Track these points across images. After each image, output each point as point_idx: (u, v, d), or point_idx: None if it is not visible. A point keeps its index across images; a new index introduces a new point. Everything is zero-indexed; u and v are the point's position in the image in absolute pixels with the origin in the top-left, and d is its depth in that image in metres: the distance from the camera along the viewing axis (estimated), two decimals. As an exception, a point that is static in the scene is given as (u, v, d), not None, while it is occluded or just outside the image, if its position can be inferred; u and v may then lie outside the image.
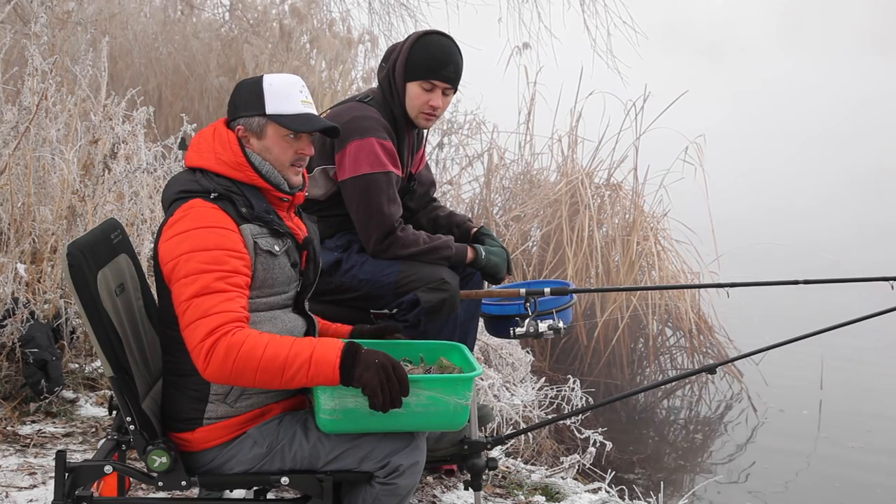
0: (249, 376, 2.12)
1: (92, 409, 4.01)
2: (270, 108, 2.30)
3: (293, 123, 2.31)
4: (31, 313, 3.97)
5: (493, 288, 3.37)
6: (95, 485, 2.41)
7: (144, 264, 4.26)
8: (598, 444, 4.24)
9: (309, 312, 2.45)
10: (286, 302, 2.36)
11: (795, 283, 3.30)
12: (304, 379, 2.12)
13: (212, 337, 2.10)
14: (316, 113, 2.36)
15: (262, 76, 2.34)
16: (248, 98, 2.32)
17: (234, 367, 2.10)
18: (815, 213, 12.62)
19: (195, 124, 5.54)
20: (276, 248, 2.29)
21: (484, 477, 2.98)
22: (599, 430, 4.35)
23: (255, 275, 2.25)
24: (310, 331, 2.43)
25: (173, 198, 2.29)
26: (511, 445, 4.53)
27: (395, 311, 3.07)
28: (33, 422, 3.82)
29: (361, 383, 2.12)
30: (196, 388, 2.27)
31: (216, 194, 2.25)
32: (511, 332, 3.19)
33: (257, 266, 2.25)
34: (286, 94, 2.32)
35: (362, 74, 8.86)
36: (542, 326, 3.14)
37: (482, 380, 4.57)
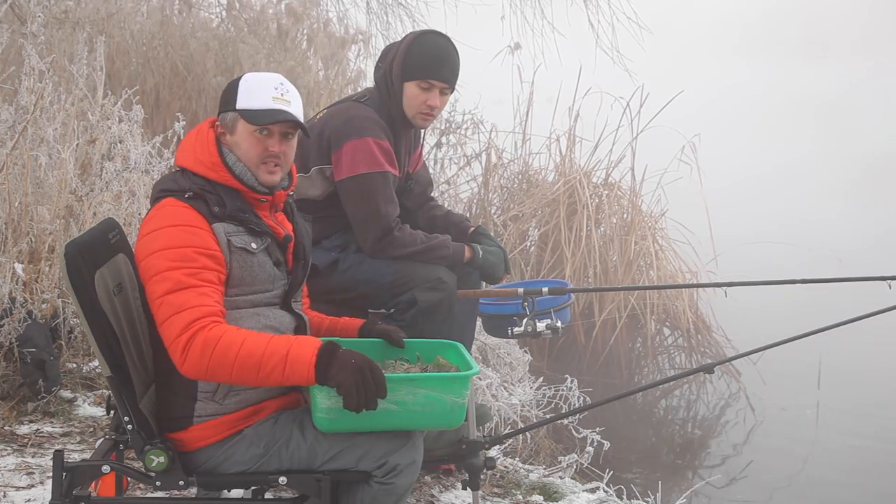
0: (226, 371, 2.12)
1: (90, 408, 4.01)
2: (241, 104, 2.32)
3: (255, 118, 2.31)
4: (29, 313, 3.96)
5: (491, 287, 3.38)
6: (93, 484, 2.41)
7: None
8: (595, 444, 4.24)
9: (299, 311, 2.45)
10: (272, 300, 2.36)
11: (793, 282, 3.30)
12: (279, 377, 2.12)
13: (188, 331, 2.11)
14: (291, 111, 2.34)
15: (244, 74, 2.38)
16: (226, 95, 2.36)
17: (211, 363, 2.10)
18: (816, 214, 12.62)
19: (184, 122, 5.54)
20: (254, 245, 2.30)
21: (482, 476, 2.98)
22: (597, 429, 4.35)
23: (232, 272, 2.26)
24: (300, 329, 2.43)
25: (155, 196, 2.33)
26: (509, 445, 4.53)
27: (392, 310, 3.07)
28: (31, 421, 3.82)
29: (336, 382, 2.11)
30: (185, 386, 2.27)
31: (190, 194, 2.26)
32: (509, 331, 3.19)
33: (233, 264, 2.26)
34: (259, 90, 2.33)
35: (353, 74, 8.85)
36: (540, 326, 3.15)
37: (480, 379, 4.57)
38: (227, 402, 2.29)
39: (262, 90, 2.33)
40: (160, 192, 2.32)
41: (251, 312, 2.30)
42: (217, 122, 2.37)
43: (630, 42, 8.39)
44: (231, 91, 2.35)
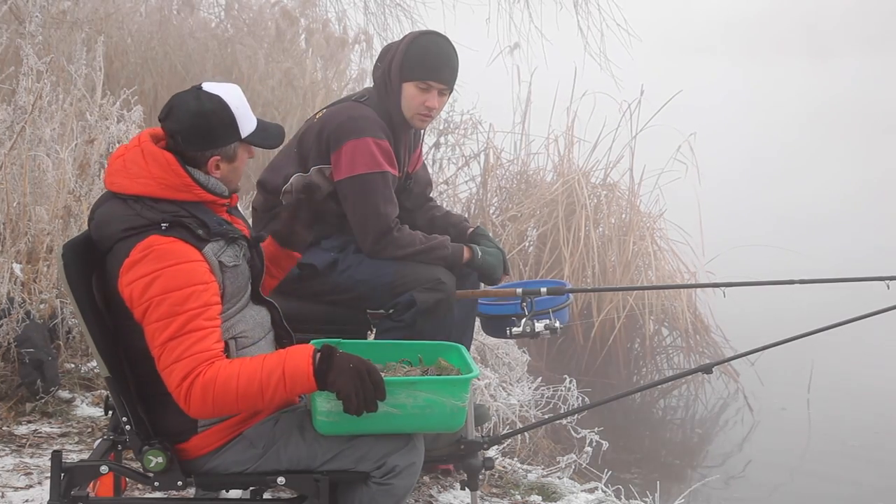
0: (231, 406, 2.13)
1: (88, 409, 4.00)
2: (244, 132, 2.31)
3: (263, 140, 2.34)
4: (27, 313, 3.96)
5: (490, 288, 3.38)
6: (91, 485, 2.41)
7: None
8: (594, 444, 4.24)
9: (266, 298, 2.46)
10: (248, 299, 2.38)
11: (791, 282, 3.30)
12: (283, 394, 2.13)
13: (186, 381, 2.10)
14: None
15: (219, 99, 2.26)
16: (222, 129, 2.28)
17: (214, 403, 2.11)
18: (816, 213, 12.61)
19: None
20: (236, 256, 2.31)
21: (480, 477, 2.98)
22: (596, 429, 4.35)
23: (225, 291, 2.25)
24: (275, 316, 2.45)
25: (119, 236, 2.20)
26: (507, 445, 4.53)
27: (391, 311, 3.07)
28: (29, 422, 3.82)
29: (335, 388, 2.11)
30: None
31: (166, 224, 2.19)
32: (507, 331, 3.19)
33: (225, 283, 2.26)
34: (245, 111, 2.31)
35: (356, 75, 8.84)
36: (539, 326, 3.15)
37: (479, 380, 4.57)
38: None
39: (246, 109, 2.32)
40: (127, 231, 2.18)
41: (239, 318, 2.31)
42: (214, 158, 2.28)
43: (620, 47, 8.39)
44: (226, 124, 2.27)
